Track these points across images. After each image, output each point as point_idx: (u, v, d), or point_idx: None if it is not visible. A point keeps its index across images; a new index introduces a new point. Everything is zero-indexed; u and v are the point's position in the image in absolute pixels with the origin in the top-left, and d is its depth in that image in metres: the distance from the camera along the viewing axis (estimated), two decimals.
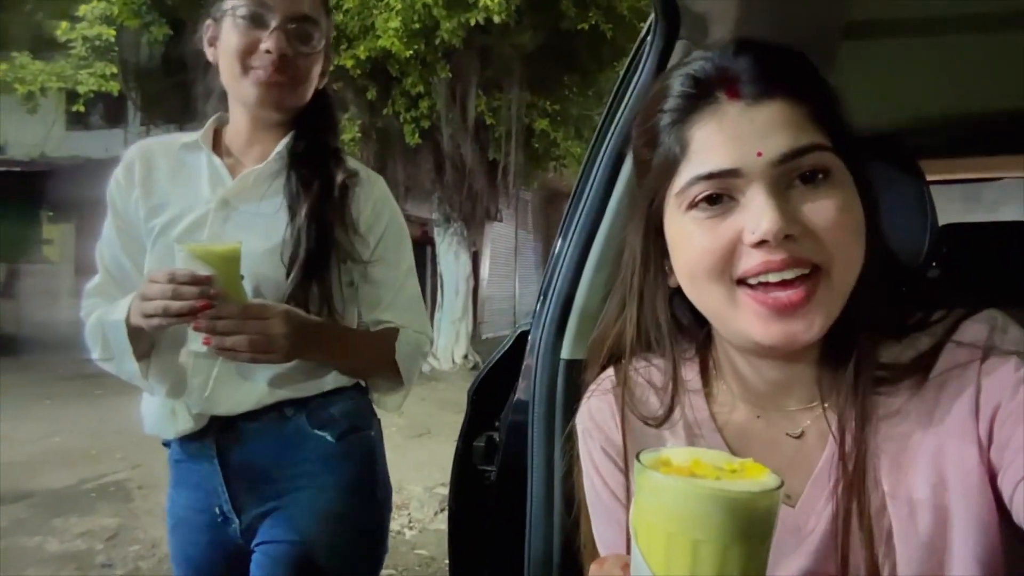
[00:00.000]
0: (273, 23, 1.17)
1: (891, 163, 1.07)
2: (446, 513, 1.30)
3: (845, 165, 0.63)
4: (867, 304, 0.64)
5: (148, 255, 1.24)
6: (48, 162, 12.59)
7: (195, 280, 1.06)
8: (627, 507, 0.72)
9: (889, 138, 0.89)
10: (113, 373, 1.25)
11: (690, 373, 0.75)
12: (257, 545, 1.23)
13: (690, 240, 0.64)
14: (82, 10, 8.96)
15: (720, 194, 0.62)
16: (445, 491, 1.23)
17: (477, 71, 8.62)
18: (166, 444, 1.33)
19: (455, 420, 1.30)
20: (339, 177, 1.23)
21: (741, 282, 0.62)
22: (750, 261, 0.61)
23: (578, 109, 9.50)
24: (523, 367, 1.17)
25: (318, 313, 1.19)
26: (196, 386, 1.21)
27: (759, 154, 0.60)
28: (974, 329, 0.64)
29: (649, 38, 1.14)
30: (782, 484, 0.48)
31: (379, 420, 1.34)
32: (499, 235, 14.25)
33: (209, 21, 1.26)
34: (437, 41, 7.85)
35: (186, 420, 1.22)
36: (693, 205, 0.63)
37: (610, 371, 0.79)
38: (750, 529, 0.46)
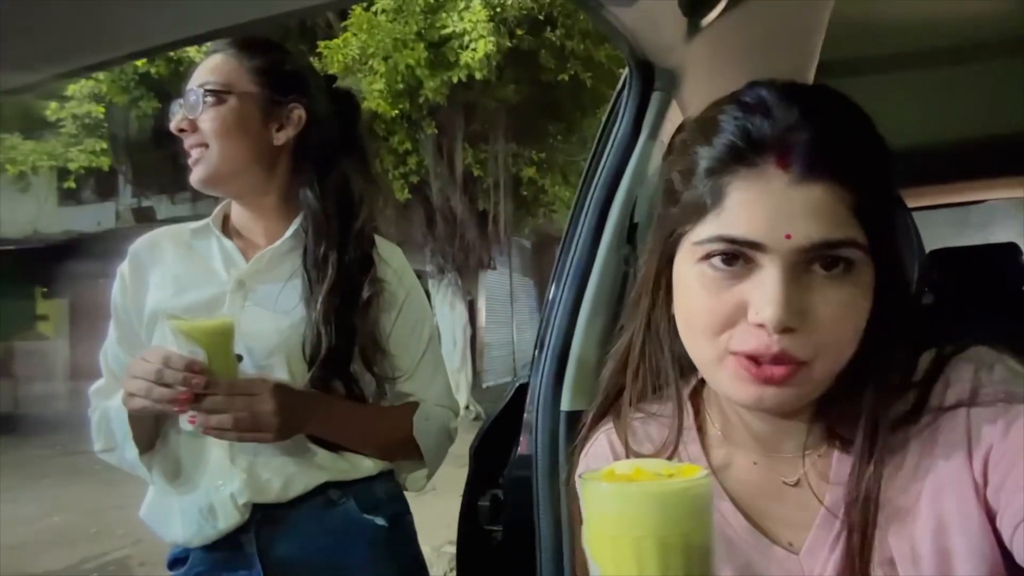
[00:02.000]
0: (178, 103, 1.19)
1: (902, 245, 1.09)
2: (455, 574, 1.27)
3: (873, 260, 0.61)
4: (865, 366, 0.64)
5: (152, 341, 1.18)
6: (41, 239, 12.64)
7: (188, 366, 1.01)
8: None
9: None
10: (115, 465, 1.19)
11: (686, 418, 0.74)
12: None
13: (695, 297, 0.63)
14: (71, 89, 9.13)
15: (737, 256, 0.61)
16: (453, 550, 1.22)
17: (462, 126, 8.78)
18: (179, 560, 1.23)
19: (460, 475, 1.29)
20: (365, 291, 1.18)
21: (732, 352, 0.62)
22: (744, 343, 0.60)
23: (563, 156, 9.64)
24: (523, 421, 1.17)
25: (344, 396, 1.15)
26: (240, 472, 1.12)
27: (788, 236, 0.58)
28: (961, 369, 0.63)
29: (625, 91, 1.17)
30: (708, 475, 0.52)
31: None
32: (494, 283, 14.29)
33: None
34: (421, 100, 8.01)
35: (230, 513, 1.12)
36: (708, 257, 0.62)
37: (603, 426, 0.78)
38: (684, 520, 0.50)
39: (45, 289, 13.67)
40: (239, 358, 1.10)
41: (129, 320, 1.22)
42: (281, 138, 1.19)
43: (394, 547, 1.20)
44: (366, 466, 1.18)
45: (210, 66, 1.18)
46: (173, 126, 1.18)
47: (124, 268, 1.23)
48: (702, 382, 0.75)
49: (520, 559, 1.10)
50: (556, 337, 1.17)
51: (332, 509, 1.16)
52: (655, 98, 1.12)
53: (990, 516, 0.59)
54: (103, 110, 9.33)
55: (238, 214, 1.27)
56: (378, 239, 1.26)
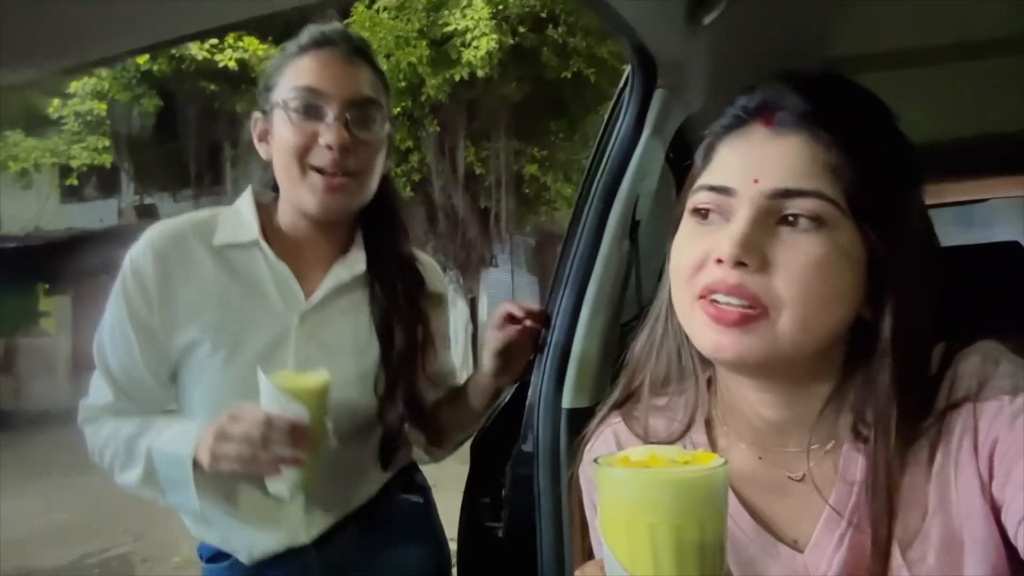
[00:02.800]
0: (331, 113, 1.04)
1: (910, 218, 1.08)
2: (455, 571, 1.27)
3: (855, 221, 0.60)
4: (876, 356, 0.63)
5: (198, 374, 1.09)
6: (43, 236, 12.66)
7: (293, 429, 0.94)
8: None
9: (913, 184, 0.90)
10: (169, 505, 1.08)
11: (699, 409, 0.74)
12: None
13: (679, 245, 0.67)
14: (73, 86, 9.13)
15: (716, 211, 0.64)
16: (454, 546, 1.22)
17: (464, 123, 8.77)
18: (213, 559, 1.16)
19: (462, 471, 1.29)
20: (421, 299, 1.17)
21: (700, 296, 0.64)
22: (709, 276, 0.62)
23: (566, 153, 9.62)
24: (524, 418, 1.17)
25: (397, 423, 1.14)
26: (315, 493, 1.09)
27: (756, 181, 0.61)
28: (967, 363, 0.64)
29: (627, 88, 1.17)
30: (726, 463, 0.52)
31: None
32: (495, 280, 14.29)
33: (257, 114, 1.14)
34: (423, 97, 8.00)
35: (307, 531, 1.11)
36: (693, 212, 0.65)
37: (610, 417, 0.78)
38: (700, 507, 0.50)
39: (47, 286, 13.68)
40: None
41: (154, 336, 1.08)
42: (386, 168, 1.15)
43: (428, 523, 1.25)
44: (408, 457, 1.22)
45: (364, 78, 1.07)
46: (335, 141, 1.03)
47: (147, 270, 1.07)
48: (709, 385, 0.75)
49: (521, 556, 1.10)
50: (558, 335, 1.16)
51: (375, 502, 1.17)
52: (658, 95, 1.12)
53: (995, 510, 0.59)
54: (105, 107, 9.33)
55: (293, 229, 1.13)
56: (417, 255, 1.24)
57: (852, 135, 0.62)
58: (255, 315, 1.08)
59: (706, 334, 0.62)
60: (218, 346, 1.06)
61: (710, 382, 0.75)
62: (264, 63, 8.57)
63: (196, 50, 8.27)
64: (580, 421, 1.09)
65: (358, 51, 1.08)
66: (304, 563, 1.11)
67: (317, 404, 0.97)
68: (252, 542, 1.11)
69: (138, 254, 1.08)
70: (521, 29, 7.92)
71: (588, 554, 0.79)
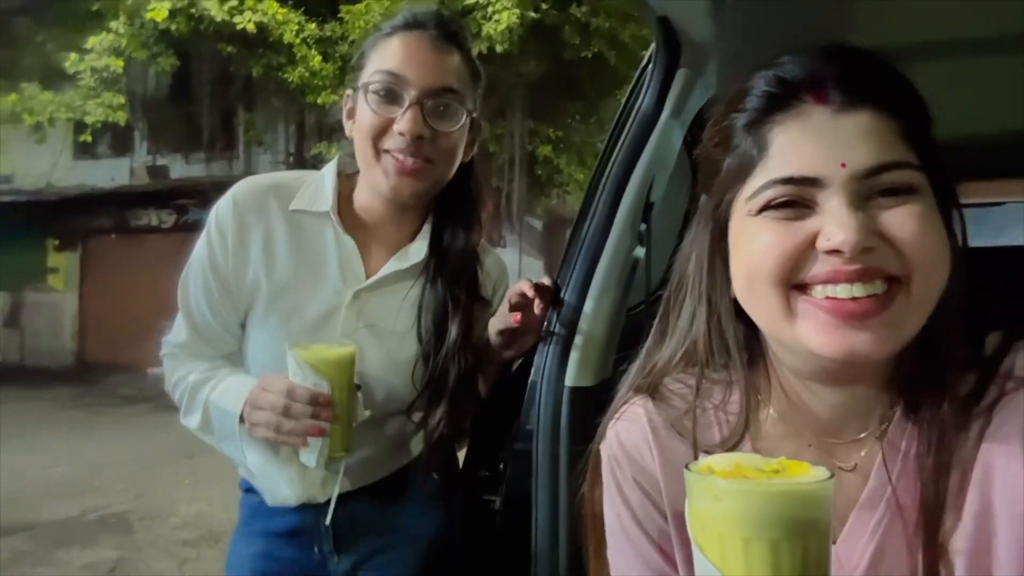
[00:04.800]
0: (408, 99, 1.04)
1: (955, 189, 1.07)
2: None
3: (931, 185, 0.60)
4: (945, 331, 0.61)
5: (255, 329, 1.14)
6: (55, 191, 12.69)
7: (314, 400, 0.99)
8: (658, 545, 0.68)
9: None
10: (204, 439, 1.20)
11: (734, 396, 0.70)
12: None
13: (756, 240, 0.61)
14: (91, 42, 9.11)
15: (795, 201, 0.60)
16: None
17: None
18: (250, 490, 1.24)
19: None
20: (474, 300, 1.17)
21: (802, 289, 0.60)
22: (820, 267, 0.58)
23: (581, 136, 9.58)
24: (527, 395, 1.17)
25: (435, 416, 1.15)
26: (348, 463, 1.14)
27: (843, 165, 0.58)
28: (1022, 356, 0.62)
29: (650, 67, 1.15)
30: (831, 476, 0.49)
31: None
32: (503, 260, 14.29)
33: (349, 91, 1.14)
34: None
35: (328, 488, 1.16)
36: (765, 208, 0.61)
37: (638, 397, 0.73)
38: (819, 520, 0.48)
39: (57, 242, 13.75)
40: (357, 387, 1.07)
41: (227, 282, 1.13)
42: (468, 156, 1.16)
43: (442, 497, 1.24)
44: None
45: (448, 67, 1.07)
46: (408, 128, 1.03)
47: (227, 220, 1.11)
48: (755, 364, 0.71)
49: (515, 530, 1.10)
50: (564, 313, 1.16)
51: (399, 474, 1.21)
52: (680, 75, 1.11)
53: None
54: (122, 64, 9.29)
55: (365, 207, 1.15)
56: (483, 247, 1.24)
57: (904, 100, 0.61)
58: (314, 284, 1.11)
59: (830, 336, 0.58)
60: (275, 307, 1.10)
61: (748, 367, 0.71)
62: (283, 27, 8.52)
63: (215, 11, 8.23)
64: (582, 400, 1.10)
65: (449, 36, 1.08)
66: (318, 515, 1.17)
67: (339, 376, 1.00)
68: (277, 491, 1.16)
69: (222, 204, 1.13)
70: (543, 5, 7.84)
71: (596, 529, 0.76)
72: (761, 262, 0.60)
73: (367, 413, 1.10)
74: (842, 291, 0.57)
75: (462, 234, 1.16)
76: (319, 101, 8.68)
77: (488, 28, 7.47)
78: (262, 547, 1.20)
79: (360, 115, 1.08)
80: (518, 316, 1.08)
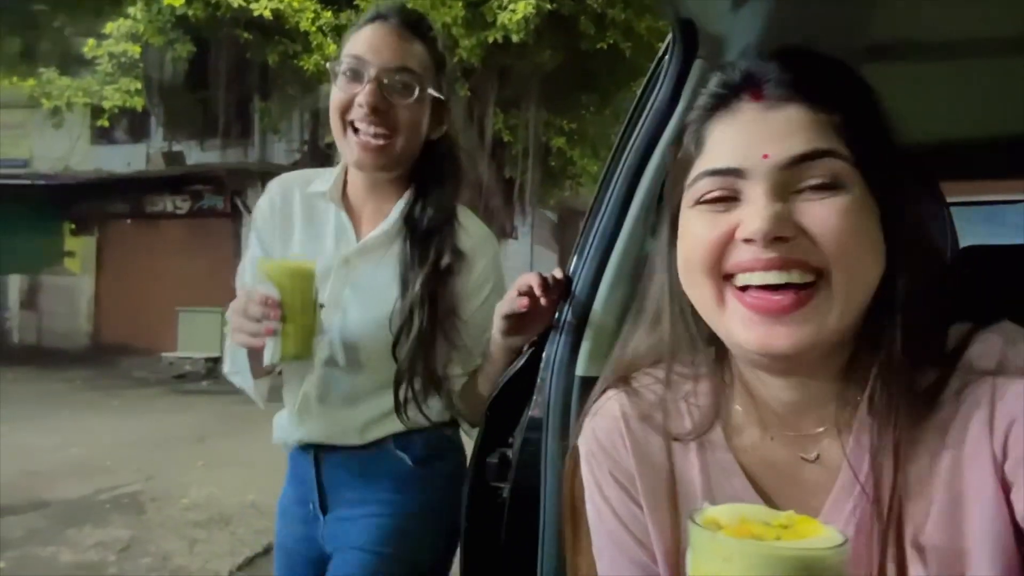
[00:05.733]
0: (367, 76, 1.19)
1: (910, 184, 1.06)
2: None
3: (864, 179, 0.61)
4: (890, 325, 0.63)
5: None
6: (72, 176, 12.80)
7: (264, 301, 1.10)
8: (638, 540, 0.70)
9: (908, 158, 0.88)
10: (239, 387, 1.33)
11: (703, 389, 0.72)
12: (334, 549, 1.31)
13: (689, 233, 0.65)
14: (109, 28, 9.16)
15: (726, 196, 0.62)
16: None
17: (495, 90, 8.71)
18: None
19: (473, 431, 1.30)
20: (446, 259, 1.25)
21: (729, 279, 0.62)
22: (739, 256, 0.60)
23: (595, 128, 9.55)
24: (537, 384, 1.17)
25: (422, 379, 1.24)
26: (304, 421, 1.31)
27: (765, 156, 0.60)
28: (987, 343, 0.63)
29: (667, 58, 1.15)
30: (847, 540, 0.47)
31: (465, 458, 1.34)
32: (515, 253, 14.29)
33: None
34: (456, 60, 7.94)
35: (295, 439, 1.34)
36: (700, 202, 0.64)
37: (612, 392, 0.76)
38: None
39: (73, 226, 13.88)
40: (321, 305, 1.18)
41: (267, 252, 1.32)
42: (435, 134, 1.30)
43: (415, 483, 1.30)
44: (417, 422, 1.27)
45: (405, 49, 1.21)
46: (367, 100, 1.18)
47: (264, 204, 1.34)
48: (720, 358, 0.73)
49: (523, 518, 1.11)
50: (576, 304, 1.16)
51: (373, 445, 1.29)
52: (697, 66, 1.10)
53: (1006, 490, 0.59)
54: (139, 50, 9.34)
55: (355, 186, 1.32)
56: (464, 211, 1.33)
57: (841, 96, 0.62)
58: (313, 254, 1.27)
59: (750, 330, 0.60)
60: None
61: (715, 359, 0.73)
62: (299, 15, 8.52)
63: None
64: (592, 390, 1.10)
65: (409, 25, 1.24)
66: (315, 463, 1.32)
67: (291, 285, 1.12)
68: (281, 426, 1.36)
69: (264, 193, 1.36)
70: None
71: (574, 523, 0.77)
72: (692, 251, 0.64)
73: (327, 330, 1.24)
74: (757, 279, 0.59)
75: (434, 204, 1.28)
76: (327, 64, 8.67)
77: (504, 17, 7.44)
78: (283, 503, 1.40)
79: (332, 95, 1.23)
80: (525, 301, 1.10)
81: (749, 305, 0.60)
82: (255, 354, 1.22)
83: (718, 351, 0.73)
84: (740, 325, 0.61)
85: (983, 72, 1.25)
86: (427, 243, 1.25)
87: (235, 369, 1.31)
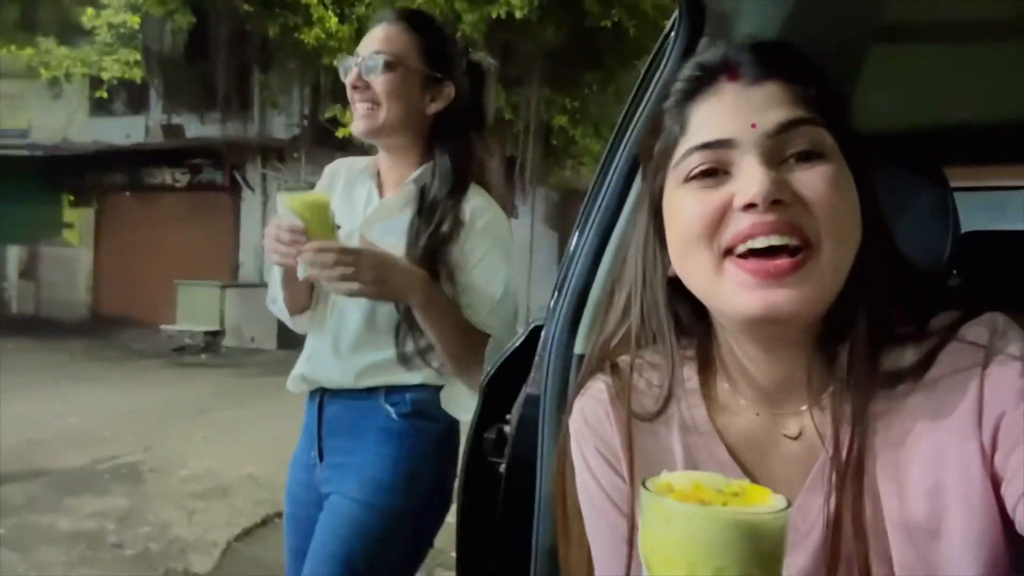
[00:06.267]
0: (355, 62, 1.42)
1: (914, 168, 1.05)
2: (455, 505, 1.30)
3: (840, 148, 0.64)
4: (864, 299, 0.64)
5: None
6: (71, 147, 12.73)
7: (291, 228, 1.29)
8: (624, 513, 0.71)
9: (912, 143, 0.88)
10: (276, 315, 1.55)
11: (689, 371, 0.73)
12: (327, 492, 1.43)
13: (681, 210, 0.65)
14: None
15: (715, 168, 0.63)
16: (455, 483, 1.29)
17: (498, 66, 8.63)
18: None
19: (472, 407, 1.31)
20: (446, 227, 1.39)
21: (728, 253, 0.62)
22: (738, 225, 0.61)
23: (598, 107, 9.48)
24: (535, 361, 1.17)
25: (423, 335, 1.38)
26: (309, 365, 1.48)
27: (753, 126, 0.62)
28: (975, 332, 0.63)
29: (672, 35, 1.14)
30: (790, 504, 0.48)
31: (456, 421, 1.46)
32: (515, 232, 14.26)
33: None
34: (458, 35, 7.86)
35: (300, 386, 1.51)
36: (689, 178, 0.65)
37: (598, 371, 0.77)
38: (769, 551, 0.47)
39: (72, 197, 13.84)
40: (338, 227, 1.35)
41: None
42: (432, 108, 1.45)
43: (400, 437, 1.41)
44: (404, 376, 1.40)
45: (384, 36, 1.42)
46: (349, 80, 1.42)
47: (322, 182, 1.57)
48: (707, 339, 0.74)
49: (520, 493, 1.12)
50: (575, 282, 1.16)
51: (367, 396, 1.43)
52: (703, 44, 1.09)
53: (995, 482, 0.59)
54: (139, 20, 9.25)
55: (382, 161, 1.53)
56: (477, 190, 1.46)
57: (811, 75, 0.66)
58: (347, 219, 1.45)
59: (751, 295, 0.61)
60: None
61: (701, 342, 0.74)
62: None
63: None
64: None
65: (398, 19, 1.45)
66: (318, 410, 1.48)
67: (311, 215, 1.30)
68: (298, 369, 1.51)
69: (324, 175, 1.59)
70: None
71: (563, 504, 0.78)
72: (688, 227, 0.64)
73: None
74: (760, 243, 0.60)
75: (442, 175, 1.44)
76: (335, 63, 8.61)
77: None
78: (296, 454, 1.55)
79: None
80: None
81: (749, 270, 0.60)
82: (291, 285, 1.45)
83: (700, 331, 0.73)
84: (740, 291, 0.62)
85: (989, 55, 1.24)
86: (432, 211, 1.41)
87: (273, 297, 1.52)
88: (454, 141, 1.46)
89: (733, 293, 0.62)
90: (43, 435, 5.34)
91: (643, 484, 0.50)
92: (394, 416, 1.40)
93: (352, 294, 1.31)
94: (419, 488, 1.40)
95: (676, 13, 1.10)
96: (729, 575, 0.46)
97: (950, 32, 1.18)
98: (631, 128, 1.19)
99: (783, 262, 0.60)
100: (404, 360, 1.39)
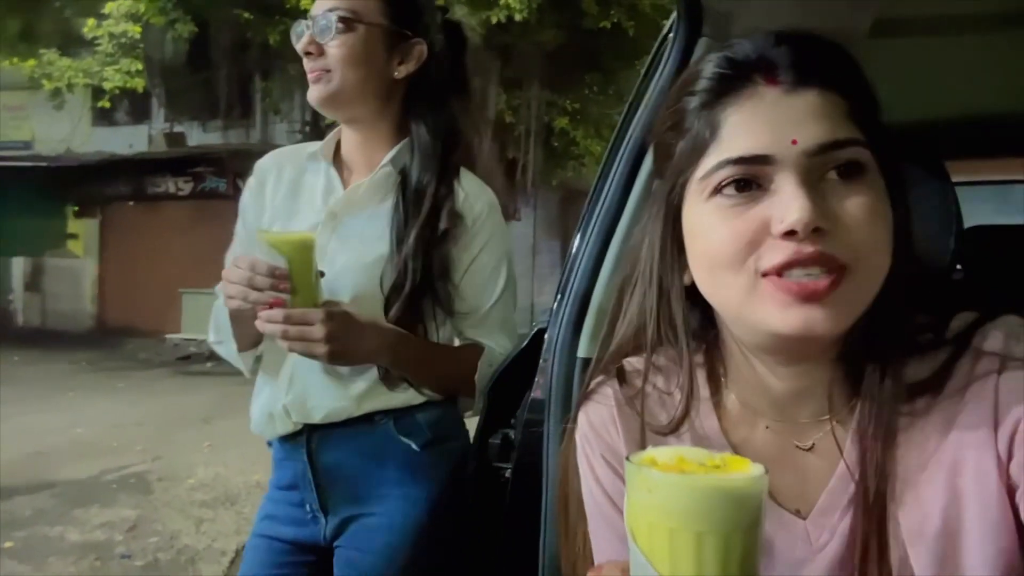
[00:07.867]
0: (306, 26, 1.23)
1: (916, 163, 1.05)
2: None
3: (878, 165, 0.60)
4: (888, 314, 0.62)
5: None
6: (74, 157, 12.77)
7: (271, 272, 1.10)
8: (623, 513, 0.70)
9: (914, 137, 0.87)
10: (223, 357, 1.32)
11: (700, 379, 0.71)
12: (339, 547, 1.24)
13: (712, 229, 0.61)
14: (109, 7, 9.10)
15: (748, 180, 0.59)
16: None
17: (498, 69, 8.64)
18: (269, 444, 1.34)
19: (472, 421, 1.31)
20: (443, 223, 1.21)
21: (764, 275, 0.60)
22: (776, 255, 0.58)
23: (598, 108, 9.48)
24: (539, 365, 1.17)
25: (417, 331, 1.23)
26: (293, 393, 1.23)
27: (794, 142, 0.58)
28: (991, 337, 0.62)
29: (671, 36, 1.13)
30: (767, 471, 0.49)
31: (468, 437, 1.32)
32: (517, 234, 14.25)
33: None
34: None
35: (284, 423, 1.25)
36: (718, 191, 0.61)
37: (604, 376, 0.75)
38: (747, 516, 0.48)
39: (76, 208, 13.88)
40: (321, 274, 1.16)
41: (250, 231, 1.31)
42: (402, 72, 1.24)
43: (425, 470, 1.23)
44: (408, 396, 1.23)
45: None
46: (300, 47, 1.22)
47: (252, 182, 1.35)
48: (715, 346, 0.72)
49: (525, 498, 1.11)
50: (578, 285, 1.16)
51: (372, 428, 1.23)
52: (701, 44, 1.09)
53: (1010, 491, 0.58)
54: (140, 30, 9.28)
55: (346, 141, 1.31)
56: (467, 174, 1.28)
57: (851, 82, 0.62)
58: (301, 209, 1.28)
59: (787, 313, 0.58)
60: (259, 229, 1.22)
61: (709, 350, 0.72)
62: None
63: None
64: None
65: None
66: (308, 454, 1.25)
67: (296, 255, 1.12)
68: (261, 409, 1.28)
69: (251, 176, 1.36)
70: None
71: (566, 508, 0.78)
72: (720, 252, 0.61)
73: (326, 295, 1.18)
74: (798, 272, 0.57)
75: (424, 152, 1.25)
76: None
77: None
78: (269, 508, 1.31)
79: None
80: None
81: (788, 291, 0.58)
82: (241, 325, 1.21)
83: (710, 340, 0.72)
84: (777, 310, 0.59)
85: (990, 48, 1.24)
86: (419, 200, 1.22)
87: (219, 339, 1.30)
88: (432, 111, 1.26)
89: (769, 312, 0.59)
90: (50, 446, 5.35)
91: (627, 458, 0.51)
92: (415, 448, 1.22)
93: (310, 357, 1.15)
94: (463, 515, 1.25)
95: (674, 14, 1.10)
96: (710, 540, 0.47)
97: (950, 24, 1.17)
98: (631, 129, 1.19)
99: (821, 283, 0.57)
100: (389, 382, 1.21)
